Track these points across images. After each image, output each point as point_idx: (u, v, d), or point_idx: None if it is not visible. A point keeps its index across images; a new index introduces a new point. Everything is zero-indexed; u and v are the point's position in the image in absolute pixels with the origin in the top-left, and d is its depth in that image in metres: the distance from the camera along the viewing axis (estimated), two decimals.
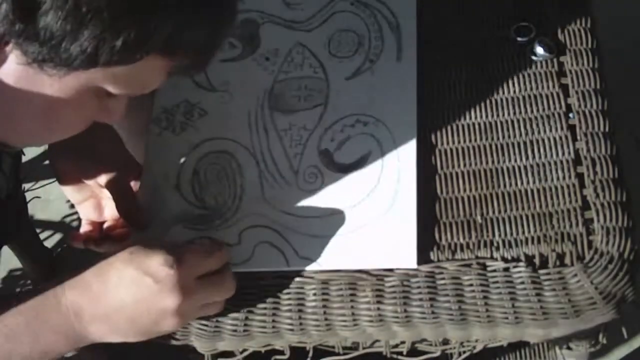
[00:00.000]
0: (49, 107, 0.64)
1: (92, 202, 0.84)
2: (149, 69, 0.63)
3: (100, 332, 0.72)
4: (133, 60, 0.60)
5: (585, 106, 0.81)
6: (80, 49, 0.58)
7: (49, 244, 1.48)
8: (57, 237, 1.47)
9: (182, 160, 0.85)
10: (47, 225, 1.46)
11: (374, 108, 0.84)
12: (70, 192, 0.84)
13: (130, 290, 0.70)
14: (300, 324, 0.75)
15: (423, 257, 0.75)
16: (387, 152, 0.81)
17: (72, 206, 1.46)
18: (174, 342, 0.77)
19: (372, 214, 0.78)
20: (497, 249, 0.75)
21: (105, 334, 0.72)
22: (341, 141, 0.83)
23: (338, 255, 0.76)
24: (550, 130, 0.80)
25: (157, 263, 0.69)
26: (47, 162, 1.51)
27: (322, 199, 0.80)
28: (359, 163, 0.82)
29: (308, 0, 0.93)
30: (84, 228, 0.85)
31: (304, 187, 0.81)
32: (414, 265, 0.75)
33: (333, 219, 0.79)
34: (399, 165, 0.80)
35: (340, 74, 0.87)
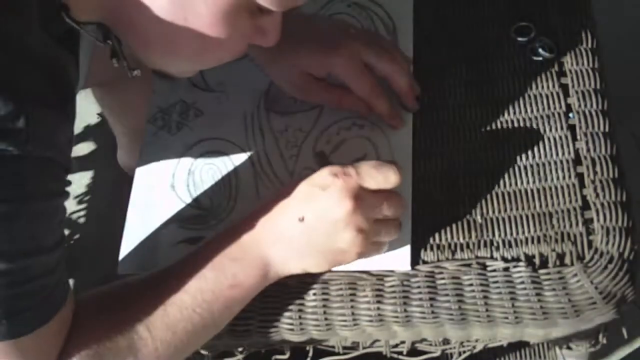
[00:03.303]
0: (204, 26, 0.64)
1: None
2: None
3: (280, 255, 0.71)
4: None
5: (585, 106, 0.81)
6: None
7: None
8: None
9: (178, 160, 0.85)
10: None
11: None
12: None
13: (302, 204, 0.70)
14: (300, 323, 0.76)
15: (423, 256, 0.75)
16: (383, 156, 0.81)
17: (78, 203, 1.47)
18: None
19: None
20: (497, 248, 0.75)
21: (285, 258, 0.72)
22: (337, 144, 0.83)
23: None
24: (550, 130, 0.81)
25: (324, 173, 0.70)
26: None
27: None
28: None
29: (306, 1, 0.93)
30: None
31: None
32: (408, 268, 0.75)
33: None
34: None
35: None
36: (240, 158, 0.84)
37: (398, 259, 0.75)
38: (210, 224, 0.80)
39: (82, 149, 1.54)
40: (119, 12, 0.65)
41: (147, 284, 0.72)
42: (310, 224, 0.70)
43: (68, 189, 0.66)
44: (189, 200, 0.82)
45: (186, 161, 0.85)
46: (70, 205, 1.47)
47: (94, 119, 1.55)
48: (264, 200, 0.73)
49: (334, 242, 0.70)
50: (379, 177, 0.71)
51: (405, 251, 0.75)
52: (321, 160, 0.82)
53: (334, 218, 0.69)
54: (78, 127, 1.54)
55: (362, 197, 0.69)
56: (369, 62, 0.81)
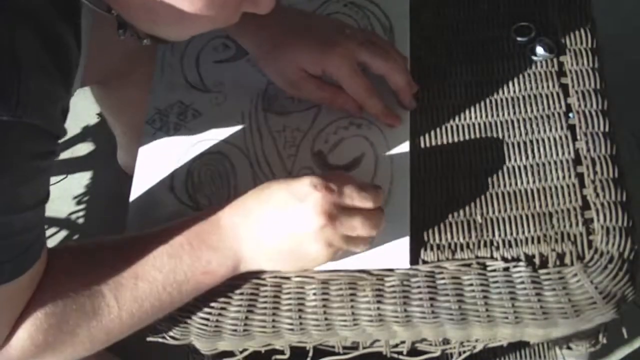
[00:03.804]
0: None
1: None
2: None
3: (252, 253, 0.73)
4: None
5: (585, 106, 0.81)
6: None
7: (52, 242, 1.48)
8: (61, 235, 1.47)
9: (177, 160, 0.85)
10: (50, 223, 1.46)
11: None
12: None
13: (278, 210, 0.71)
14: (300, 323, 0.75)
15: (423, 256, 0.75)
16: (381, 154, 0.81)
17: (77, 203, 1.47)
18: (174, 342, 0.77)
19: None
20: (497, 248, 0.75)
21: (257, 256, 0.73)
22: (335, 143, 0.83)
23: None
24: (550, 130, 0.80)
25: (304, 184, 0.70)
26: None
27: None
28: (353, 165, 0.82)
29: (301, 1, 0.93)
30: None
31: None
32: (407, 265, 0.75)
33: None
34: (392, 168, 0.80)
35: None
36: (238, 159, 0.84)
37: (397, 258, 0.75)
38: None
39: (81, 149, 1.54)
40: None
41: (123, 251, 0.72)
42: (281, 231, 0.71)
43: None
44: (188, 201, 0.82)
45: (185, 162, 0.85)
46: (70, 205, 1.47)
47: (93, 120, 1.55)
48: (249, 193, 0.74)
49: (300, 252, 0.72)
50: (359, 199, 0.71)
51: (404, 249, 0.75)
52: (319, 159, 0.82)
53: (304, 231, 0.70)
54: (77, 128, 1.54)
55: (336, 215, 0.70)
56: (363, 61, 0.81)
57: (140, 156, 0.86)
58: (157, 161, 0.85)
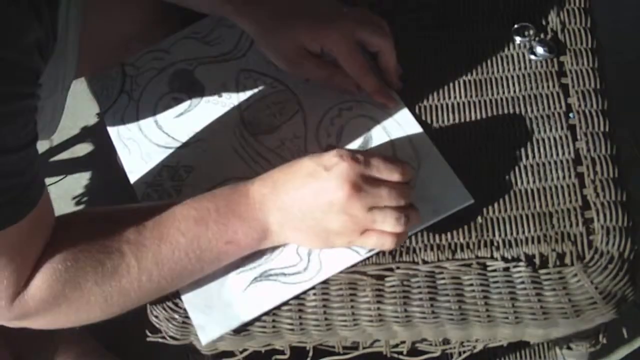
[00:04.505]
0: None
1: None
2: None
3: (279, 224, 0.73)
4: None
5: (585, 106, 0.81)
6: None
7: None
8: None
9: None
10: None
11: (348, 93, 0.85)
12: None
13: (305, 180, 0.71)
14: (300, 323, 0.75)
15: (423, 256, 0.75)
16: (386, 123, 0.83)
17: (76, 204, 1.47)
18: (174, 342, 0.77)
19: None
20: (497, 248, 0.75)
21: (282, 226, 0.73)
22: (337, 133, 0.84)
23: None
24: (550, 130, 0.81)
25: (332, 154, 0.70)
26: (50, 160, 1.52)
27: None
28: (366, 143, 0.82)
29: (228, 33, 0.92)
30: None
31: None
32: (471, 200, 0.76)
33: None
34: (404, 128, 0.82)
35: (297, 77, 0.87)
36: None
37: (457, 197, 0.76)
38: None
39: (81, 149, 1.54)
40: None
41: (147, 214, 0.72)
42: (307, 201, 0.71)
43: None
44: None
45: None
46: (70, 205, 1.47)
47: (93, 120, 1.55)
48: (278, 167, 0.74)
49: (326, 223, 0.71)
50: (386, 170, 0.71)
51: (461, 187, 0.77)
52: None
53: (329, 200, 0.70)
54: (77, 128, 1.54)
55: (361, 185, 0.70)
56: (362, 38, 0.82)
57: None
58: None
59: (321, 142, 0.83)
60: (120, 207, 0.75)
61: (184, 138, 0.87)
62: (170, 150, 0.86)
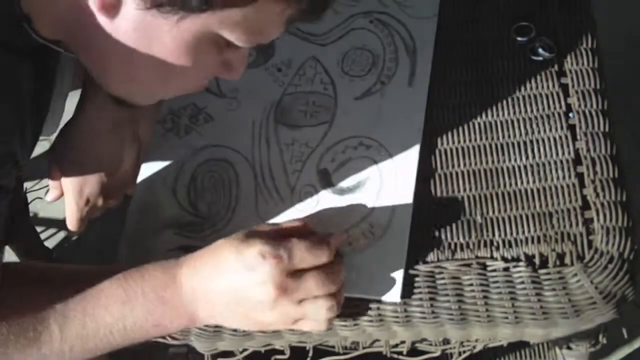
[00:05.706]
0: (168, 56, 0.63)
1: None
2: (265, 13, 0.62)
3: (207, 313, 0.71)
4: (245, 1, 0.60)
5: (585, 106, 0.81)
6: None
7: (50, 243, 1.48)
8: (59, 236, 1.47)
9: (182, 163, 0.85)
10: (48, 224, 1.46)
11: (379, 132, 0.83)
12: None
13: (230, 277, 0.69)
14: None
15: (423, 256, 0.75)
16: (386, 180, 0.80)
17: None
18: (174, 342, 0.77)
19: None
20: (497, 248, 0.75)
21: (212, 316, 0.72)
22: (342, 162, 0.82)
23: None
24: (550, 130, 0.80)
25: (254, 252, 0.68)
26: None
27: (314, 220, 0.77)
28: (357, 187, 0.80)
29: (327, 13, 0.92)
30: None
31: (298, 206, 0.80)
32: (397, 300, 0.74)
33: None
34: (397, 196, 0.79)
35: (349, 93, 0.86)
36: (243, 168, 0.83)
37: (388, 290, 0.74)
38: (205, 233, 0.80)
39: None
40: (78, 33, 0.64)
41: (79, 283, 0.70)
42: (235, 299, 0.69)
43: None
44: (188, 206, 0.82)
45: (190, 166, 0.84)
46: None
47: None
48: (205, 253, 0.71)
49: (257, 317, 0.70)
50: (311, 257, 0.69)
51: (397, 283, 0.74)
52: (323, 178, 0.82)
53: (258, 300, 0.69)
54: None
55: (287, 284, 0.68)
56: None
57: (147, 154, 0.85)
58: (163, 161, 0.85)
59: (321, 163, 0.82)
60: (57, 268, 0.74)
61: (225, 89, 0.89)
62: (208, 93, 0.88)
